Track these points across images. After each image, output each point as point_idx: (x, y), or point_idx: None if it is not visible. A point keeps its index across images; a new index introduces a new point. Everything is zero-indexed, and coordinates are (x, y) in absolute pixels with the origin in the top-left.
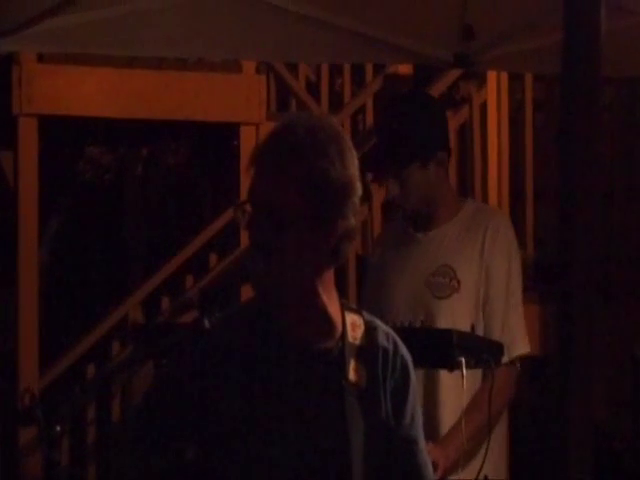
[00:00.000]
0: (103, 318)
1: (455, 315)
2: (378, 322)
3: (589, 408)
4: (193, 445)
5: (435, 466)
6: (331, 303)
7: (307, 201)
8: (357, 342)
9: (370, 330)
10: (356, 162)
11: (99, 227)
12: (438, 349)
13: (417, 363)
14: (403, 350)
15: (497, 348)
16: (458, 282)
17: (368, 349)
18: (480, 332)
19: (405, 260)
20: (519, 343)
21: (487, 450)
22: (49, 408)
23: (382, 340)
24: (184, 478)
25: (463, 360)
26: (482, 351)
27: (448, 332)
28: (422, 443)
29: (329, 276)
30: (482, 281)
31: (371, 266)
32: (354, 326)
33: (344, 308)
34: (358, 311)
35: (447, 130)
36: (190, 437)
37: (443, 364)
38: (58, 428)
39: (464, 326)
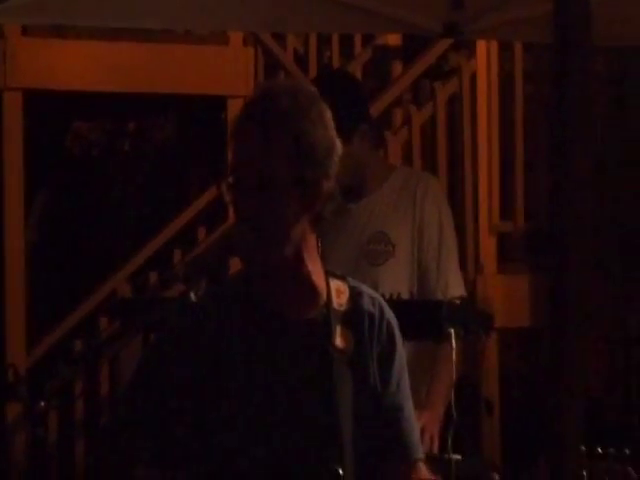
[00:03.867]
0: (90, 293)
1: (395, 279)
2: (364, 287)
3: (582, 380)
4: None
5: (431, 435)
6: (315, 270)
7: (294, 165)
8: (342, 308)
9: (355, 295)
10: (332, 122)
11: (87, 202)
12: (427, 321)
13: (405, 335)
14: (389, 315)
15: (486, 318)
16: (393, 246)
17: (354, 314)
18: (415, 287)
19: (339, 232)
20: (454, 286)
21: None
22: (35, 384)
23: (368, 305)
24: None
25: (452, 332)
26: (470, 322)
27: (438, 304)
28: (409, 409)
29: (312, 242)
30: (415, 238)
31: None
32: (339, 292)
33: (328, 275)
34: (342, 277)
35: (366, 102)
36: (178, 414)
37: (432, 336)
38: (42, 404)
39: (404, 288)
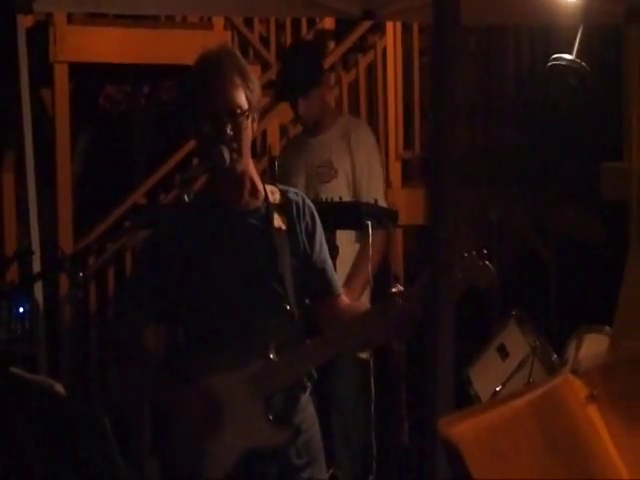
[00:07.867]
0: (118, 205)
1: (334, 193)
2: (288, 187)
3: (452, 255)
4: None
5: None
6: (255, 177)
7: (249, 102)
8: (276, 201)
9: (283, 192)
10: None
11: (114, 144)
12: (352, 216)
13: (336, 226)
14: (308, 201)
15: (393, 214)
16: (335, 171)
17: (285, 204)
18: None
19: (301, 157)
20: (379, 204)
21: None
22: (78, 266)
23: (293, 197)
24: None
25: (369, 223)
26: (382, 217)
27: (358, 204)
28: (329, 261)
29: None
30: (350, 168)
31: (279, 163)
32: (272, 192)
33: (264, 182)
34: (273, 183)
35: (322, 61)
36: (168, 285)
37: (355, 227)
38: (81, 274)
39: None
